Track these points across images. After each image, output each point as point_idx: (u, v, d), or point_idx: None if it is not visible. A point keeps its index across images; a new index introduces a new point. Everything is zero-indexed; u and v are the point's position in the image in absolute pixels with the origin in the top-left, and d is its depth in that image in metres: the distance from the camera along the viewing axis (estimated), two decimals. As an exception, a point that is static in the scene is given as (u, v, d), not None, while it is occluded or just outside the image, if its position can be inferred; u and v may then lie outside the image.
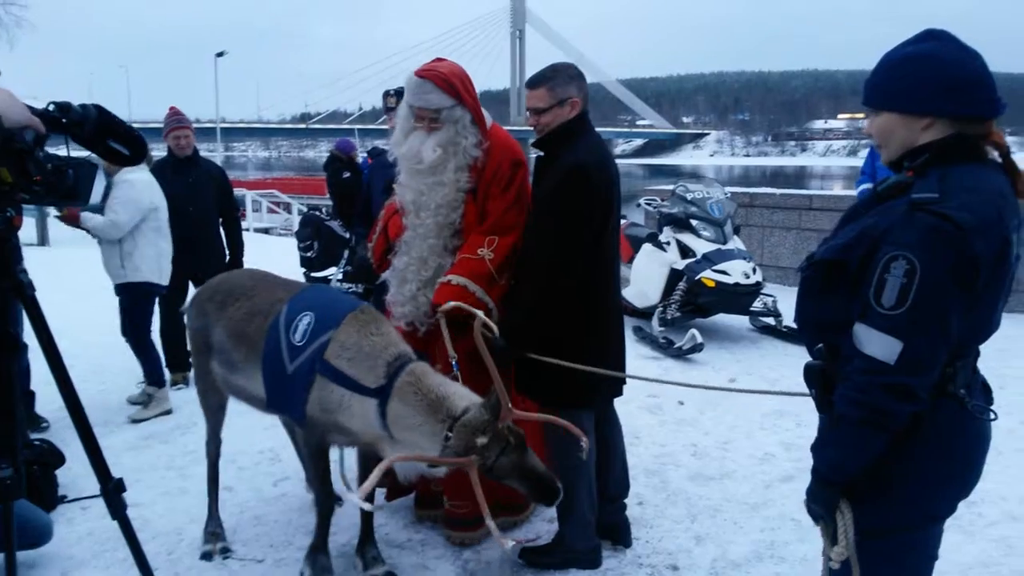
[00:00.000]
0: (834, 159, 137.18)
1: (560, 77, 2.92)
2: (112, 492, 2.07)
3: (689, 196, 6.90)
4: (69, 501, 3.57)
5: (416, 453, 2.51)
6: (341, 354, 2.70)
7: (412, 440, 2.57)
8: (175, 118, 5.48)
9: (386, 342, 2.74)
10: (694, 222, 6.75)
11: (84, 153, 2.00)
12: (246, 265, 4.89)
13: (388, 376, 2.64)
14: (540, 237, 2.91)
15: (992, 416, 1.78)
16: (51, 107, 1.90)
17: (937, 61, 1.69)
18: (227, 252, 5.62)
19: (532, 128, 3.01)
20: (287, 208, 22.21)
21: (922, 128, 1.72)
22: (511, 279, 3.05)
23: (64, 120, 1.90)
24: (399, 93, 3.70)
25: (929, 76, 1.69)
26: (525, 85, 3.02)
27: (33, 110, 1.84)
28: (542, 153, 3.02)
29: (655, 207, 7.44)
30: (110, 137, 1.98)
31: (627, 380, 3.19)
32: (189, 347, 3.35)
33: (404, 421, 2.58)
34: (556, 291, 2.88)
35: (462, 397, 2.58)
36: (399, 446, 2.61)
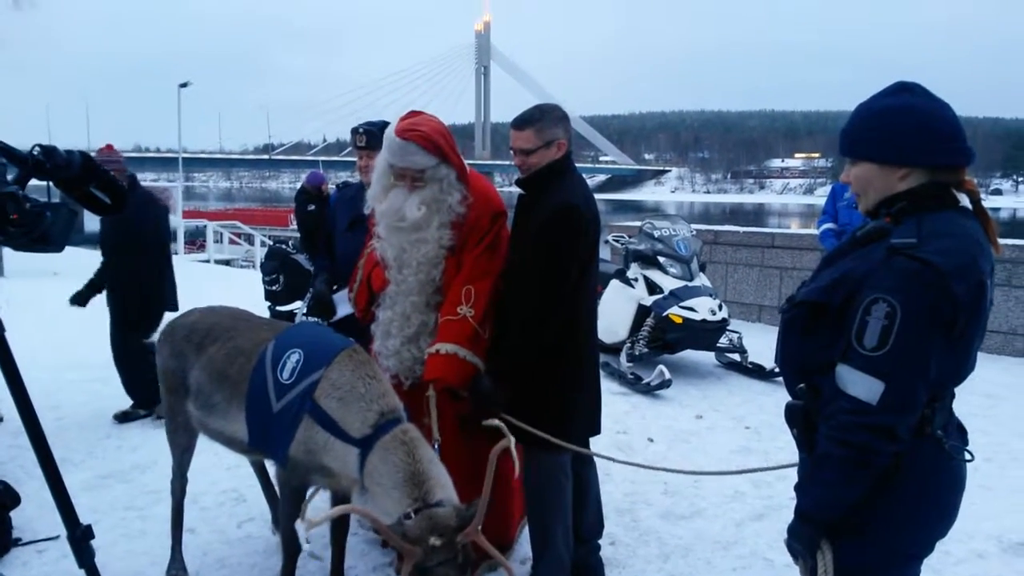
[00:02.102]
0: (791, 197, 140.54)
1: (547, 119, 2.94)
2: (80, 539, 2.00)
3: (656, 233, 6.99)
4: (24, 544, 3.44)
5: (372, 513, 2.40)
6: (332, 393, 2.64)
7: (378, 497, 2.50)
8: (107, 154, 5.35)
9: (382, 390, 2.68)
10: (661, 259, 6.83)
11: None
12: (208, 300, 4.81)
13: (376, 427, 2.57)
14: (526, 276, 2.89)
15: (969, 457, 1.82)
16: (36, 150, 1.87)
17: (914, 114, 1.75)
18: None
19: (518, 167, 3.02)
20: (249, 239, 21.98)
21: (899, 178, 1.78)
22: (493, 324, 3.03)
23: (48, 164, 1.86)
24: (368, 132, 3.70)
25: (907, 129, 1.75)
26: (511, 126, 3.00)
27: (16, 152, 1.80)
28: (523, 191, 3.03)
29: (623, 243, 7.51)
30: (93, 184, 1.95)
31: (602, 417, 3.18)
32: (160, 385, 3.25)
33: (378, 478, 2.50)
34: (541, 330, 2.87)
35: (443, 487, 2.48)
36: (367, 496, 2.55)
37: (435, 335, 3.04)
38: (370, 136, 3.68)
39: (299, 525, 2.47)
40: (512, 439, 2.48)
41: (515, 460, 2.57)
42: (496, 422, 2.67)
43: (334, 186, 4.18)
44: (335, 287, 3.80)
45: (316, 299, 3.73)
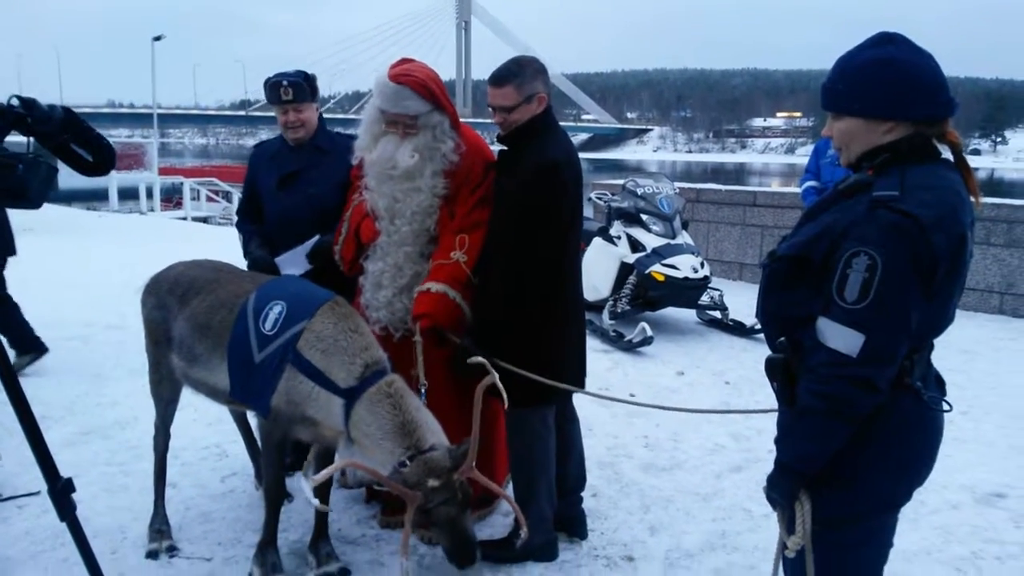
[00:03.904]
0: (772, 156, 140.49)
1: (526, 72, 2.86)
2: (60, 493, 1.98)
3: (639, 191, 6.96)
4: (4, 500, 3.43)
5: (369, 466, 2.47)
6: (315, 345, 2.63)
7: (368, 449, 2.53)
8: None
9: (366, 343, 2.67)
10: (644, 217, 6.82)
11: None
12: (189, 255, 4.76)
13: (361, 379, 2.58)
14: (507, 234, 2.85)
15: (947, 408, 1.84)
16: (14, 101, 1.80)
17: (898, 66, 1.73)
18: None
19: (498, 125, 2.93)
20: (227, 197, 21.70)
21: (884, 131, 1.76)
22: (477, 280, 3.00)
23: (29, 118, 1.79)
24: (295, 84, 3.39)
25: (891, 81, 1.73)
26: (489, 82, 2.91)
27: None
28: (505, 148, 2.98)
29: (605, 201, 7.48)
30: (74, 141, 1.87)
31: (587, 374, 3.19)
32: (145, 337, 3.21)
33: (366, 429, 2.53)
34: (524, 288, 2.84)
35: (433, 432, 2.54)
36: (355, 448, 2.57)
37: None
38: (297, 88, 3.40)
39: (304, 484, 2.53)
40: (496, 375, 2.51)
41: (504, 397, 2.55)
42: (481, 360, 2.65)
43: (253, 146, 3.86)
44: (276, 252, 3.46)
45: (257, 266, 3.38)
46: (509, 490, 3.31)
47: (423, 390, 2.82)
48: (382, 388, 2.56)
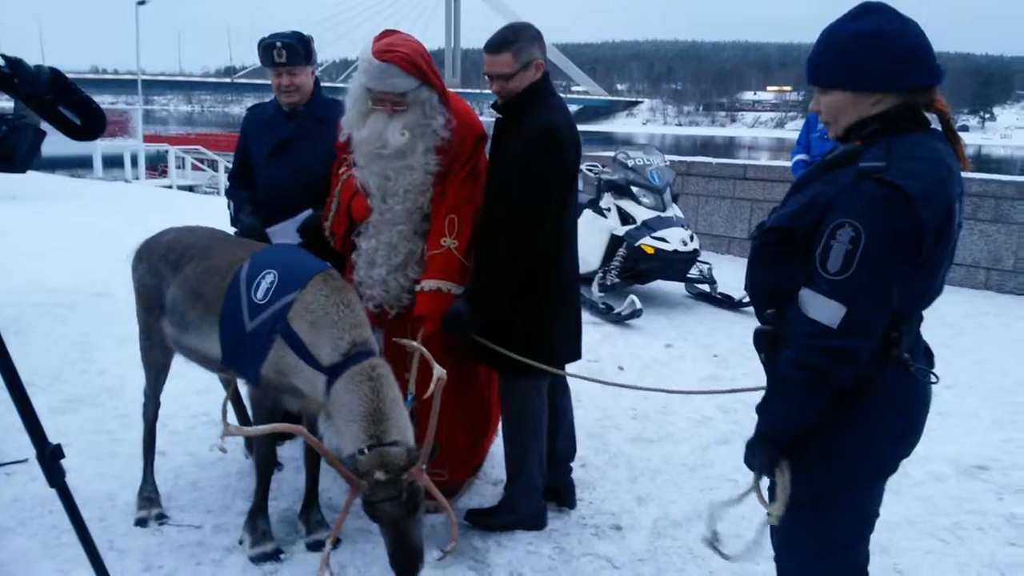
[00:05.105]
0: (762, 130, 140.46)
1: (523, 39, 2.82)
2: (49, 459, 1.96)
3: (630, 163, 6.93)
4: (-9, 467, 3.41)
5: (320, 444, 2.46)
6: (305, 316, 2.60)
7: (338, 428, 2.51)
8: None
9: (355, 320, 2.63)
10: (634, 189, 6.80)
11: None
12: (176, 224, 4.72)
13: (346, 356, 2.54)
14: (506, 201, 2.82)
15: (934, 379, 1.85)
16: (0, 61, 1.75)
17: (884, 37, 1.70)
18: None
19: (495, 94, 2.90)
20: (213, 165, 21.47)
21: (872, 104, 1.74)
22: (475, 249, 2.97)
23: (15, 78, 1.74)
24: (288, 46, 3.26)
25: (878, 53, 1.71)
26: (485, 49, 2.86)
27: None
28: (500, 116, 2.94)
29: (596, 173, 7.45)
30: (61, 103, 1.82)
31: (582, 345, 3.19)
32: (136, 303, 3.18)
33: (339, 409, 2.50)
34: (521, 256, 2.83)
35: (400, 429, 2.47)
36: (328, 423, 2.56)
37: (423, 263, 2.99)
38: (290, 50, 3.27)
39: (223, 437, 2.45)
40: (443, 372, 2.44)
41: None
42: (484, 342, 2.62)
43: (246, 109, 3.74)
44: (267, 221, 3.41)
45: (247, 235, 3.32)
46: (499, 457, 3.34)
47: (410, 397, 2.74)
48: (365, 369, 2.52)
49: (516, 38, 2.82)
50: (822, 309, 1.66)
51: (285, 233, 3.34)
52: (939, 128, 1.78)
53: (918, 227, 1.60)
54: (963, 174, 1.78)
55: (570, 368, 3.13)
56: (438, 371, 2.43)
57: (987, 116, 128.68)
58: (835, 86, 1.78)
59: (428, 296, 2.93)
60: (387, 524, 2.38)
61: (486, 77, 2.90)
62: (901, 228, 1.60)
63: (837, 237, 1.63)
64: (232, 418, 3.61)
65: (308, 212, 3.31)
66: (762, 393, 1.89)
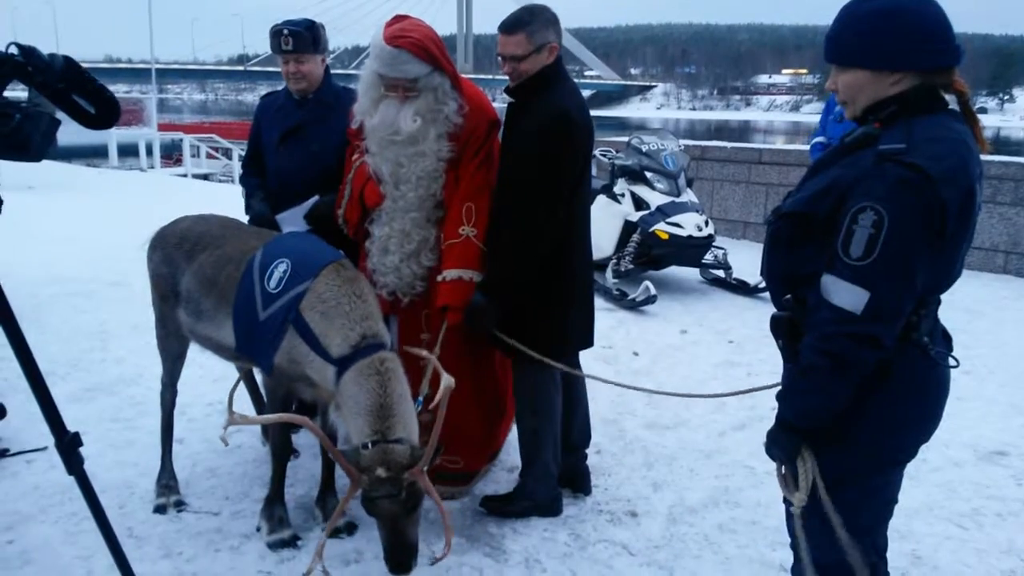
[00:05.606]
0: (777, 114, 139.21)
1: (538, 21, 2.79)
2: (67, 447, 1.98)
3: (644, 148, 6.89)
4: (13, 455, 3.45)
5: (324, 436, 2.46)
6: (317, 306, 2.60)
7: (345, 420, 2.52)
8: None
9: (368, 311, 2.62)
10: (648, 174, 6.76)
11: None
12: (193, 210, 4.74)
13: (355, 348, 2.53)
14: (518, 187, 2.81)
15: (953, 363, 1.82)
16: (13, 49, 1.75)
17: (905, 15, 1.67)
18: None
19: (507, 75, 2.88)
20: (227, 154, 21.51)
21: (891, 83, 1.71)
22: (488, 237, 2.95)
23: (29, 66, 1.74)
24: (295, 34, 3.27)
25: (899, 32, 1.68)
26: (499, 30, 2.85)
27: None
28: (512, 100, 2.92)
29: (610, 158, 7.40)
30: (75, 92, 1.82)
31: (594, 330, 3.19)
32: (151, 292, 3.20)
33: (347, 401, 2.50)
34: (534, 243, 2.82)
35: (405, 427, 2.47)
36: (338, 414, 2.57)
37: (437, 251, 2.98)
38: (297, 38, 3.28)
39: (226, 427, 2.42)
40: (451, 380, 2.43)
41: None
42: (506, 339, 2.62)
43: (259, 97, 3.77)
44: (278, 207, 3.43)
45: (257, 222, 3.34)
46: (513, 444, 3.34)
47: (420, 398, 2.71)
48: (374, 363, 2.50)
49: (531, 19, 2.80)
50: (845, 295, 1.63)
51: (293, 219, 3.34)
52: (957, 109, 1.75)
53: (941, 209, 1.58)
54: (982, 156, 1.75)
55: (584, 354, 3.12)
56: (446, 379, 2.42)
57: (1006, 98, 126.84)
58: (853, 64, 1.75)
59: (450, 286, 2.91)
60: (384, 520, 2.38)
61: (499, 58, 2.88)
62: (924, 210, 1.57)
63: (859, 221, 1.60)
64: (248, 407, 3.65)
65: (315, 198, 3.31)
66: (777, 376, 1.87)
